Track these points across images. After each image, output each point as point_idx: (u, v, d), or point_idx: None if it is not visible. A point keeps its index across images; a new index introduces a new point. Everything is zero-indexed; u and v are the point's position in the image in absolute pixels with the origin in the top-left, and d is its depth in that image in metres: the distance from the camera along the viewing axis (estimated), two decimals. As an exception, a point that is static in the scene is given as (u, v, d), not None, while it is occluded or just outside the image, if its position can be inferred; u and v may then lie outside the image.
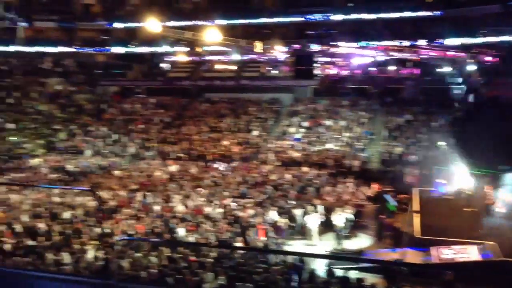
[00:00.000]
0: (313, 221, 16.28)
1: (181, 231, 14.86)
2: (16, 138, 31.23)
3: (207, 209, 17.09)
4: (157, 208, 17.39)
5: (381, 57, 33.16)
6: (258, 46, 33.01)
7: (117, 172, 24.71)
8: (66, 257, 12.31)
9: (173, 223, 15.54)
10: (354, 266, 11.91)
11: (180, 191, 20.18)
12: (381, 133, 28.48)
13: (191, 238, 14.36)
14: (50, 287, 2.77)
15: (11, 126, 32.37)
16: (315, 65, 30.95)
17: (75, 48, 42.20)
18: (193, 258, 12.09)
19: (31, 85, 38.35)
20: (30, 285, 2.86)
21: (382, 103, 32.20)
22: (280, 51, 34.04)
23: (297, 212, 17.10)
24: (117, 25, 42.21)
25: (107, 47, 42.47)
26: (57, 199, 18.44)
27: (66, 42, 42.11)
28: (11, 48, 40.23)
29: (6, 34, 40.91)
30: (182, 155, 28.39)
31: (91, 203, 17.31)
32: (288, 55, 33.44)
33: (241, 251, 12.59)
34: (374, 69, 34.28)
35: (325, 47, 31.93)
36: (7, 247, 13.20)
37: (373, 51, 32.96)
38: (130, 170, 25.26)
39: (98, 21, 42.89)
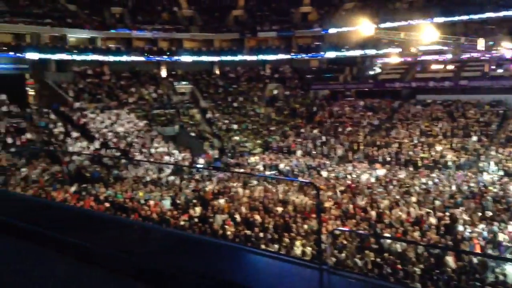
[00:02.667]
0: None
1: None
2: (239, 138, 35.10)
3: (416, 217, 16.22)
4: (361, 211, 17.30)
5: None
6: (481, 43, 29.85)
7: (324, 173, 25.48)
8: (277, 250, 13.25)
9: (379, 227, 15.25)
10: None
11: (387, 196, 19.66)
12: None
13: (398, 246, 13.84)
14: (263, 262, 3.02)
15: (235, 127, 36.57)
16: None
17: (292, 55, 45.11)
18: (399, 266, 11.65)
19: (253, 90, 42.58)
20: (244, 257, 3.15)
21: None
22: (507, 48, 30.10)
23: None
24: (331, 30, 43.55)
25: (320, 52, 44.19)
26: (270, 195, 20.01)
27: (284, 50, 45.37)
28: (238, 58, 45.28)
29: (235, 45, 46.26)
30: (390, 159, 27.64)
31: (304, 199, 18.24)
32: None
33: (453, 265, 11.55)
34: None
35: None
36: (228, 233, 14.90)
37: None
38: (337, 171, 25.73)
39: (314, 28, 44.96)
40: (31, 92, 36.91)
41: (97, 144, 28.07)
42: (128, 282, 2.69)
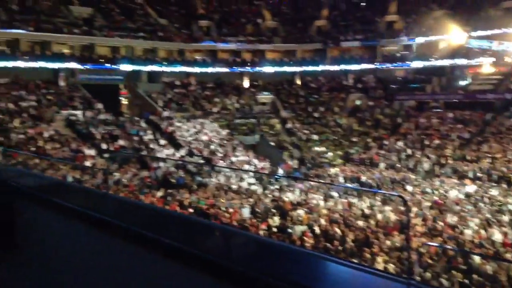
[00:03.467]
0: None
1: (476, 258, 13.51)
2: (319, 148, 34.80)
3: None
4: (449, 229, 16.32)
5: None
6: None
7: (409, 188, 24.43)
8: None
9: (468, 247, 14.30)
10: None
11: (477, 214, 18.39)
12: None
13: (488, 267, 12.88)
14: (348, 272, 2.96)
15: (315, 137, 36.32)
16: None
17: (376, 65, 44.00)
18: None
19: (334, 100, 42.11)
20: (328, 267, 3.10)
21: None
22: None
23: None
24: (418, 39, 41.95)
25: (407, 62, 42.67)
26: (352, 208, 19.55)
27: (367, 59, 44.39)
28: (320, 68, 45.05)
29: (317, 55, 46.11)
30: (481, 175, 25.87)
31: (387, 213, 17.62)
32: None
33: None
34: None
35: None
36: (307, 245, 14.76)
37: None
38: (424, 186, 24.56)
39: (400, 37, 43.57)
40: (124, 101, 39.45)
41: (182, 152, 29.27)
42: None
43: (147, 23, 42.86)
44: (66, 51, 36.58)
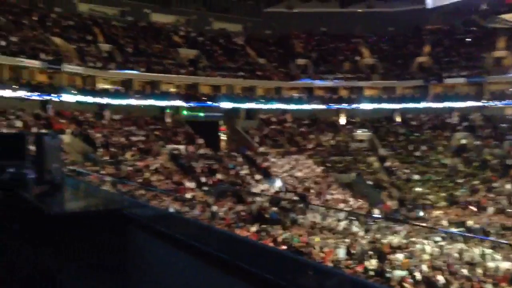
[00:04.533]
0: None
1: None
2: (420, 189, 33.00)
3: None
4: None
5: None
6: None
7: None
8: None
9: None
10: None
11: None
12: None
13: None
14: None
15: (417, 177, 34.56)
16: None
17: (483, 102, 41.29)
18: None
19: (437, 139, 39.97)
20: None
21: None
22: None
23: None
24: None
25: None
26: (456, 254, 18.12)
27: (474, 97, 41.86)
28: (421, 105, 43.26)
29: (418, 92, 44.44)
30: None
31: (498, 262, 16.10)
32: None
33: None
34: None
35: None
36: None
37: None
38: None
39: (510, 73, 40.67)
40: (223, 137, 41.03)
41: (277, 187, 29.47)
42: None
43: (247, 62, 44.67)
44: (172, 90, 39.30)
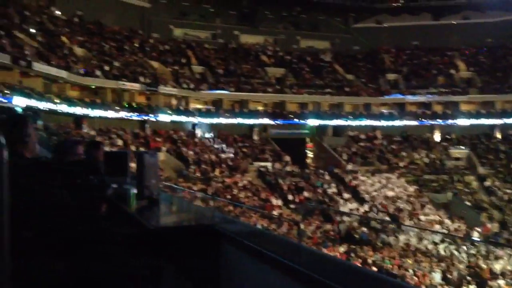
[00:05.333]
0: None
1: None
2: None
3: None
4: None
5: None
6: None
7: None
8: None
9: None
10: None
11: None
12: None
13: None
14: None
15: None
16: None
17: None
18: None
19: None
20: None
21: None
22: None
23: None
24: None
25: None
26: None
27: None
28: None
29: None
30: None
31: None
32: None
33: None
34: None
35: None
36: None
37: None
38: None
39: None
40: (310, 154, 40.88)
41: (366, 207, 28.64)
42: None
43: (335, 79, 44.35)
44: (260, 108, 40.13)
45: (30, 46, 27.49)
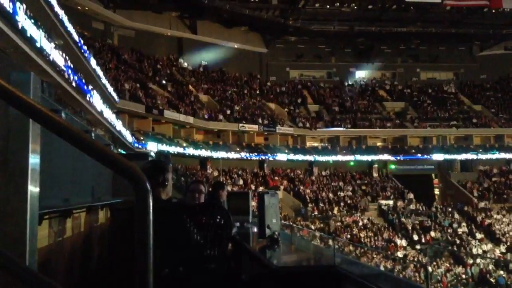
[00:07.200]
0: None
1: None
2: None
3: None
4: None
5: None
6: None
7: None
8: None
9: None
10: None
11: None
12: None
13: None
14: None
15: None
16: None
17: None
18: None
19: None
20: None
21: None
22: None
23: None
24: None
25: None
26: None
27: None
28: None
29: None
30: None
31: None
32: None
33: None
34: None
35: None
36: None
37: None
38: None
39: None
40: (436, 191, 38.31)
41: (502, 248, 25.80)
42: None
43: (460, 111, 41.64)
44: (379, 144, 38.96)
45: (161, 96, 30.41)
